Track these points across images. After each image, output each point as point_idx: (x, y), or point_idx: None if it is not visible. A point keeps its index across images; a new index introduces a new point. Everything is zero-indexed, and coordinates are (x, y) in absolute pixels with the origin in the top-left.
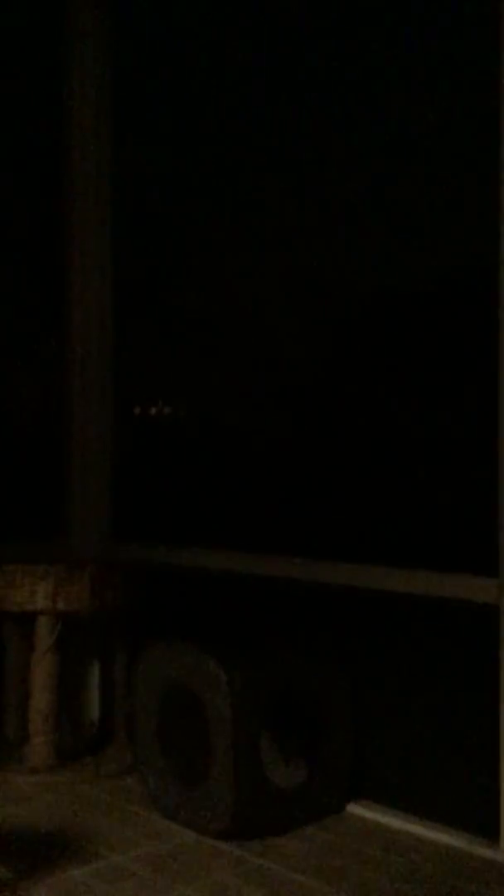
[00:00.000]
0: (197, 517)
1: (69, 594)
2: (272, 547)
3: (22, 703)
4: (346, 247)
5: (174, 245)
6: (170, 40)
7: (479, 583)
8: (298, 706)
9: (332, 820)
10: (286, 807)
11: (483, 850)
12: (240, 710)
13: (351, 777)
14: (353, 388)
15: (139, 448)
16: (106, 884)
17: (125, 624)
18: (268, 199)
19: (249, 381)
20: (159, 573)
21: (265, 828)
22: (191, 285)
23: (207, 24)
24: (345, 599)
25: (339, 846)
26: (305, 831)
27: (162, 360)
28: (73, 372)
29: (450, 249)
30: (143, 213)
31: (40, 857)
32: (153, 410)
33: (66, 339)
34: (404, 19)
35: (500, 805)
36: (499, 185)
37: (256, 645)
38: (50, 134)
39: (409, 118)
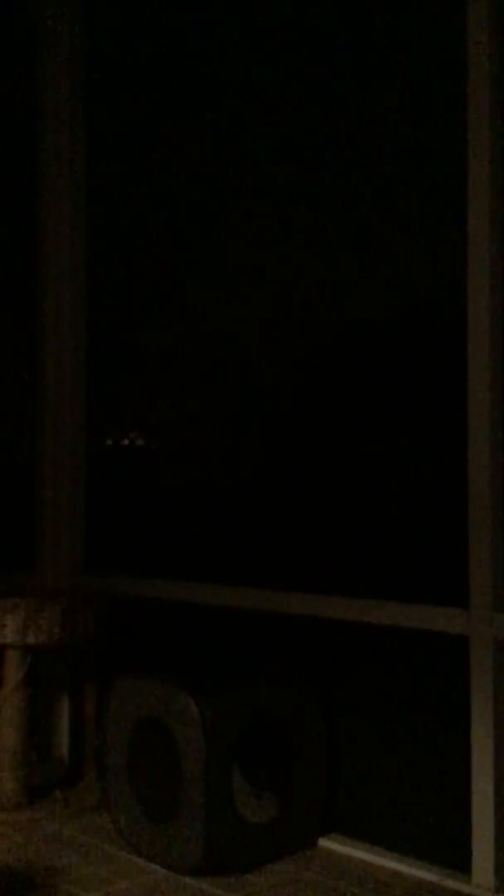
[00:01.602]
0: (168, 549)
1: (39, 627)
2: (243, 578)
3: None
4: (317, 277)
5: (147, 276)
6: (145, 70)
7: (449, 613)
8: (270, 739)
9: (304, 854)
10: (258, 842)
11: (455, 884)
12: (211, 744)
13: (323, 811)
14: (323, 419)
15: (111, 479)
16: None
17: (96, 656)
18: (239, 230)
19: (220, 414)
20: (131, 605)
21: (237, 863)
22: (164, 316)
23: (186, 46)
24: (317, 631)
25: (311, 881)
26: (277, 866)
27: (134, 391)
28: (46, 403)
29: (420, 281)
30: (116, 245)
31: None
32: (126, 441)
33: (39, 372)
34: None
35: (471, 838)
36: (467, 217)
37: (228, 677)
38: (22, 167)
39: (378, 149)
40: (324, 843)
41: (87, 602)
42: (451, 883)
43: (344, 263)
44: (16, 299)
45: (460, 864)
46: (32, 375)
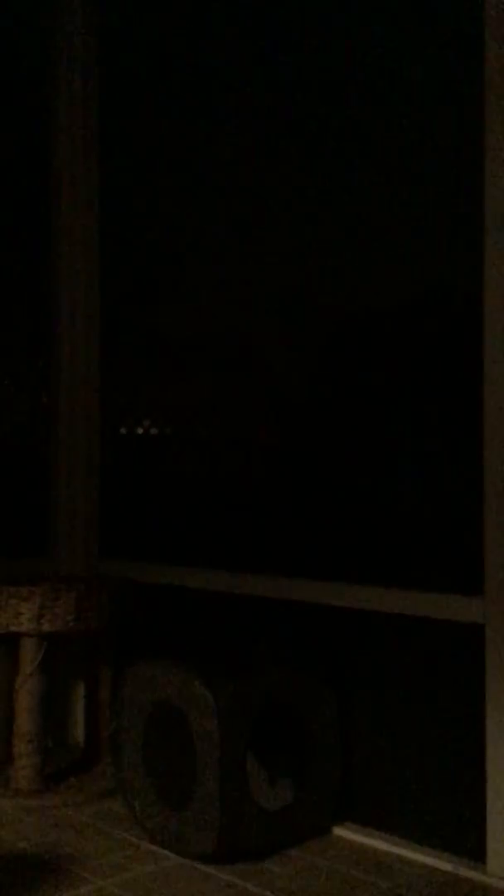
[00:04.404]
0: (183, 535)
1: (55, 615)
2: (257, 566)
3: (6, 726)
4: (333, 265)
5: (162, 265)
6: (161, 66)
7: (463, 602)
8: (285, 726)
9: (317, 842)
10: (272, 828)
11: (469, 873)
12: (226, 730)
13: (337, 798)
14: (338, 406)
15: (127, 466)
16: None
17: (111, 643)
18: (254, 219)
19: (233, 401)
20: (146, 591)
21: (252, 850)
22: (178, 304)
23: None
24: (331, 619)
25: (324, 869)
26: (291, 853)
27: (149, 378)
28: (60, 390)
29: (434, 267)
30: (130, 232)
31: (23, 881)
32: (140, 429)
33: (53, 358)
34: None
35: (486, 827)
36: (483, 201)
37: (243, 664)
38: (36, 166)
39: (392, 135)
40: (338, 830)
41: (101, 589)
42: (466, 871)
43: (355, 248)
44: (30, 287)
45: (475, 853)
46: (47, 362)
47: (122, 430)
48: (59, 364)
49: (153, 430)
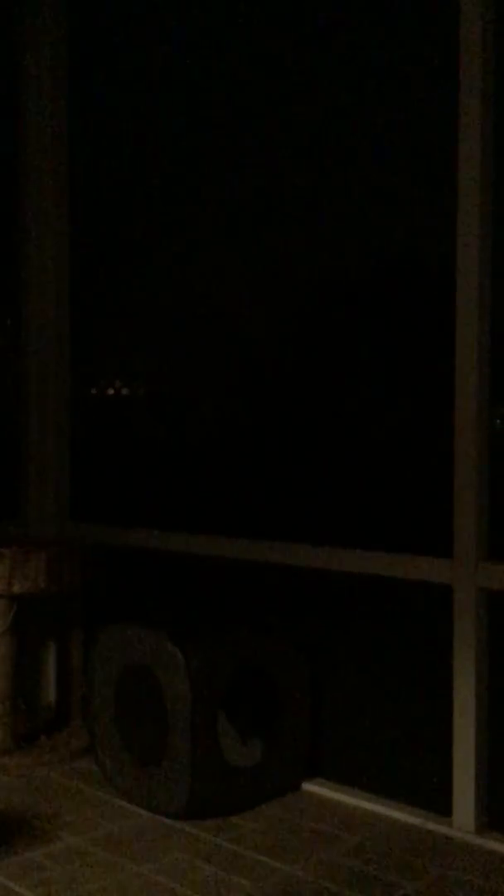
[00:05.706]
0: (154, 498)
1: (25, 576)
2: (228, 528)
3: None
4: (304, 228)
5: (131, 223)
6: (128, 29)
7: (433, 563)
8: (255, 685)
9: (288, 798)
10: (243, 786)
11: (436, 826)
12: (197, 691)
13: (307, 755)
14: (309, 369)
15: (97, 428)
16: (62, 865)
17: (82, 605)
18: (227, 179)
19: (206, 363)
20: (117, 554)
21: (222, 807)
22: (148, 264)
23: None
24: (302, 580)
25: (294, 824)
26: (262, 810)
27: (120, 339)
28: (29, 350)
29: (407, 232)
30: (100, 191)
31: None
32: (111, 391)
33: (22, 319)
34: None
35: (452, 782)
36: (457, 164)
37: (214, 625)
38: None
39: (369, 100)
40: (308, 787)
41: (72, 551)
42: (432, 825)
43: (328, 214)
44: None
45: (442, 807)
46: (16, 322)
47: (93, 392)
48: (27, 323)
49: (124, 392)
